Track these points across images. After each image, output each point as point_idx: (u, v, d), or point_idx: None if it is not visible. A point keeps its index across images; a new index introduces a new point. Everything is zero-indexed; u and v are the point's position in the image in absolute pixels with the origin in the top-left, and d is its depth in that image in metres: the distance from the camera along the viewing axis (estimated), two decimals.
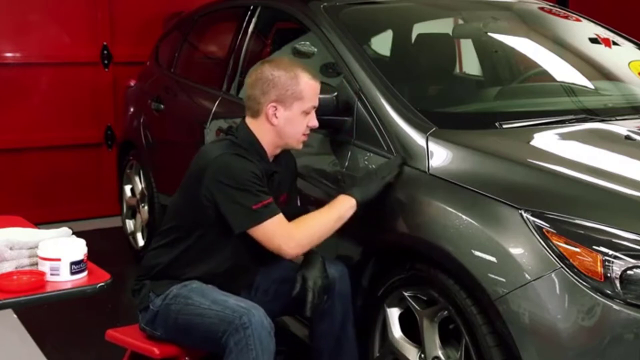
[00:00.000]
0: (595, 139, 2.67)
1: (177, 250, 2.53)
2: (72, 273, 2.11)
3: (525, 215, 2.11)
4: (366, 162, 2.66)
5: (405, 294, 2.45)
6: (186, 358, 2.54)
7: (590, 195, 2.19)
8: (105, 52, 5.56)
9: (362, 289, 2.63)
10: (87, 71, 5.55)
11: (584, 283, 2.00)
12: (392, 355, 2.54)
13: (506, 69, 3.63)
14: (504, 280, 2.09)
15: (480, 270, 2.14)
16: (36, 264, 2.15)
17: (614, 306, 1.97)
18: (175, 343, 2.53)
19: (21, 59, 5.35)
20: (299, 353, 2.80)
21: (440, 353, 2.35)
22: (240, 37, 3.71)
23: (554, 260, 2.04)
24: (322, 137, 2.87)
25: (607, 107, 3.03)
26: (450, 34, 3.67)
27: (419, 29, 3.67)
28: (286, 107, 2.46)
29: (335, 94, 2.73)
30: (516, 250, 2.09)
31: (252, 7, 3.74)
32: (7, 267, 2.13)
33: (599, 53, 3.51)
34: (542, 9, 3.75)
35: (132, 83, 4.92)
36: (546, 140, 2.62)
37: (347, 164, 2.72)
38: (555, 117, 2.75)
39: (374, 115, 2.68)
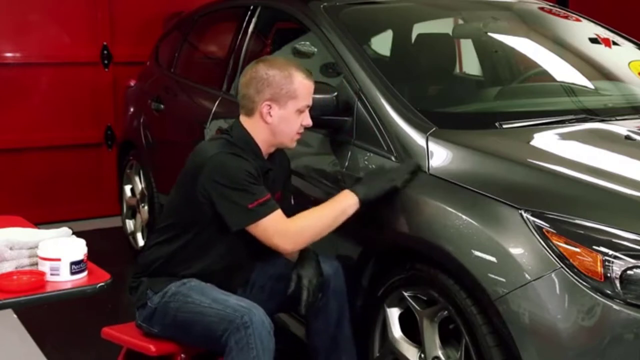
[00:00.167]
0: (595, 139, 2.67)
1: (173, 248, 2.54)
2: (72, 273, 2.11)
3: (525, 215, 2.11)
4: (366, 162, 2.66)
5: (405, 294, 2.45)
6: (182, 355, 2.54)
7: (590, 195, 2.19)
8: (105, 52, 5.56)
9: (362, 289, 2.63)
10: (87, 71, 5.55)
11: (584, 283, 2.00)
12: (392, 355, 2.54)
13: (506, 69, 3.63)
14: (504, 280, 2.09)
15: (480, 270, 2.14)
16: (36, 264, 2.15)
17: (614, 306, 1.97)
18: (172, 340, 2.54)
19: (21, 59, 5.35)
20: (298, 352, 2.80)
21: (440, 353, 2.35)
22: (240, 37, 3.71)
23: (554, 260, 2.04)
24: (322, 137, 2.87)
25: (607, 107, 3.03)
26: (450, 34, 3.67)
27: (419, 29, 3.67)
28: (280, 106, 2.48)
29: (335, 94, 2.73)
30: (516, 250, 2.09)
31: (252, 7, 3.74)
32: (7, 267, 2.13)
33: (599, 53, 3.51)
34: (542, 9, 3.75)
35: (132, 83, 4.92)
36: (546, 140, 2.62)
37: (347, 164, 2.72)
38: (555, 117, 2.75)
39: (374, 115, 2.68)
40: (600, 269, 2.00)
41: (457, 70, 3.85)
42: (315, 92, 2.69)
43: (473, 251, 2.17)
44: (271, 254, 2.49)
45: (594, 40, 3.53)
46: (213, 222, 2.45)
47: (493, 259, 2.13)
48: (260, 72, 2.48)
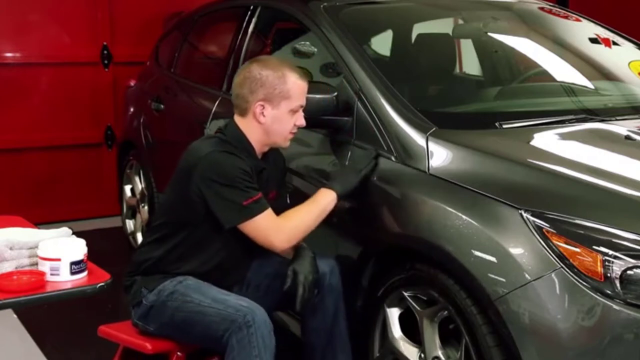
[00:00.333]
0: (595, 139, 2.67)
1: (168, 246, 2.55)
2: (72, 273, 2.11)
3: (525, 215, 2.11)
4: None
5: (405, 294, 2.45)
6: (178, 353, 2.55)
7: (590, 195, 2.19)
8: (105, 52, 5.56)
9: (362, 289, 2.63)
10: (87, 71, 5.55)
11: (584, 283, 2.00)
12: (392, 355, 2.54)
13: (506, 69, 3.63)
14: (504, 280, 2.09)
15: (480, 270, 2.14)
16: (36, 264, 2.15)
17: (614, 306, 1.97)
18: (168, 338, 2.54)
19: (21, 59, 5.35)
20: (296, 350, 2.80)
21: (440, 353, 2.35)
22: (240, 37, 3.71)
23: (554, 260, 2.04)
24: (322, 137, 2.87)
25: (607, 107, 3.03)
26: (450, 34, 3.67)
27: (419, 29, 3.67)
28: (274, 106, 2.50)
29: (335, 94, 2.73)
30: (516, 250, 2.09)
31: (252, 7, 3.74)
32: (7, 267, 2.13)
33: (599, 53, 3.51)
34: (542, 9, 3.74)
35: (132, 83, 4.92)
36: (546, 140, 2.62)
37: (347, 164, 2.72)
38: (555, 117, 2.75)
39: (374, 115, 2.68)
40: (600, 269, 2.00)
41: (457, 70, 3.85)
42: (315, 92, 2.70)
43: (473, 251, 2.17)
44: (266, 252, 2.52)
45: (594, 40, 3.53)
46: (207, 220, 2.47)
47: (493, 259, 2.13)
48: (254, 72, 2.50)
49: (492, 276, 2.11)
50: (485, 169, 2.37)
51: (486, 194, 2.23)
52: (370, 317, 2.61)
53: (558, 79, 3.29)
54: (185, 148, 2.56)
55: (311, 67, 3.26)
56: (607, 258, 2.00)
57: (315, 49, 3.13)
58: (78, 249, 2.15)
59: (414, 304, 2.42)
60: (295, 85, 2.50)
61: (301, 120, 2.55)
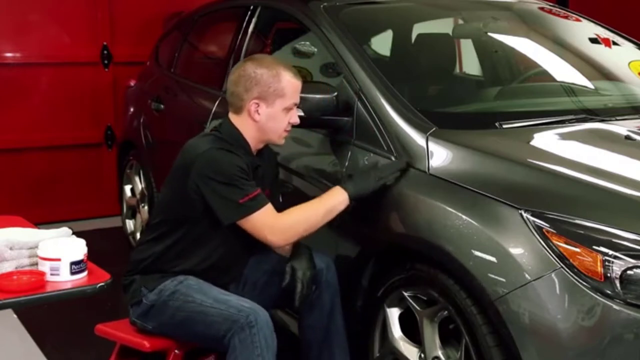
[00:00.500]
0: (595, 139, 2.67)
1: (166, 244, 2.56)
2: (72, 273, 2.11)
3: (525, 215, 2.11)
4: (366, 162, 2.66)
5: (405, 294, 2.45)
6: (176, 351, 2.55)
7: (590, 195, 2.19)
8: (105, 52, 5.56)
9: (362, 289, 2.63)
10: (87, 71, 5.55)
11: (584, 283, 2.00)
12: (392, 355, 2.54)
13: (506, 69, 3.63)
14: (504, 280, 2.09)
15: (480, 270, 2.14)
16: (36, 264, 2.15)
17: (614, 306, 1.97)
18: (166, 336, 2.55)
19: (21, 59, 5.35)
20: (296, 350, 2.80)
21: (440, 353, 2.35)
22: (240, 37, 3.71)
23: (554, 260, 2.04)
24: (322, 137, 2.87)
25: (607, 107, 3.03)
26: (450, 34, 3.67)
27: (419, 29, 3.67)
28: (268, 104, 2.51)
29: (335, 94, 2.73)
30: (516, 250, 2.09)
31: (252, 7, 3.74)
32: (7, 267, 2.13)
33: (599, 53, 3.51)
34: (542, 9, 3.74)
35: (132, 83, 4.91)
36: (546, 140, 2.62)
37: (347, 164, 2.72)
38: (555, 117, 2.75)
39: (374, 115, 2.68)
40: (600, 269, 2.00)
41: (457, 70, 3.85)
42: (315, 92, 2.71)
43: (473, 251, 2.17)
44: (264, 249, 2.54)
45: (594, 40, 3.53)
46: (205, 218, 2.48)
47: (493, 259, 2.13)
48: (249, 70, 2.52)
49: (492, 276, 2.11)
50: (485, 169, 2.37)
51: (486, 194, 2.23)
52: (370, 317, 2.61)
53: (558, 79, 3.29)
54: None
55: (311, 67, 3.26)
56: (607, 258, 2.00)
57: (315, 49, 3.13)
58: (78, 249, 2.15)
59: (414, 304, 2.42)
60: (290, 84, 2.52)
61: (295, 118, 2.57)
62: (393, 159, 2.56)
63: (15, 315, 3.73)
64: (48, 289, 2.07)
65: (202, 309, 2.41)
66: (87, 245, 2.18)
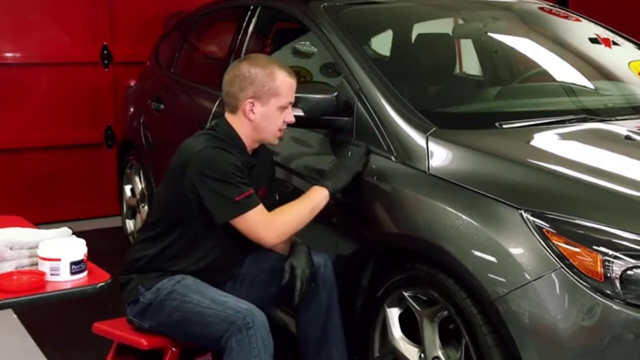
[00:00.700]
0: (595, 139, 2.67)
1: (163, 243, 2.57)
2: (72, 273, 2.11)
3: (525, 215, 2.11)
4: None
5: (405, 294, 2.45)
6: (173, 349, 2.56)
7: (590, 195, 2.19)
8: (105, 52, 5.55)
9: (362, 289, 2.63)
10: (87, 71, 5.55)
11: (584, 283, 2.00)
12: (392, 355, 2.54)
13: (506, 69, 3.63)
14: (504, 280, 2.09)
15: (480, 270, 2.14)
16: (36, 264, 2.15)
17: (614, 306, 1.97)
18: (164, 335, 2.56)
19: (21, 59, 5.34)
20: (294, 349, 2.80)
21: (440, 353, 2.35)
22: (240, 37, 3.71)
23: (554, 260, 2.04)
24: (322, 137, 2.87)
25: (607, 107, 3.03)
26: (450, 34, 3.67)
27: (419, 29, 3.67)
28: (263, 103, 2.53)
29: (335, 94, 2.73)
30: (516, 250, 2.09)
31: (252, 7, 3.74)
32: (7, 267, 2.14)
33: (599, 53, 3.51)
34: (542, 9, 3.74)
35: (132, 83, 4.91)
36: (546, 140, 2.62)
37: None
38: (555, 117, 2.75)
39: (374, 115, 2.68)
40: (600, 269, 2.00)
41: (457, 70, 3.85)
42: (315, 92, 2.71)
43: (473, 251, 2.17)
44: (260, 248, 2.56)
45: (594, 40, 3.53)
46: (201, 217, 2.49)
47: (493, 259, 2.12)
48: (243, 70, 2.54)
49: (492, 276, 2.11)
50: (485, 169, 2.37)
51: (486, 194, 2.23)
52: (370, 317, 2.61)
53: (558, 79, 3.29)
54: None
55: (311, 67, 3.26)
56: (607, 258, 1.99)
57: (315, 49, 3.13)
58: (78, 249, 2.15)
59: (414, 304, 2.42)
60: (284, 83, 2.54)
61: (290, 117, 2.59)
62: (393, 159, 2.56)
63: (15, 315, 3.72)
64: (48, 289, 2.08)
65: (200, 310, 2.42)
66: (87, 245, 2.18)
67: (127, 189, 4.80)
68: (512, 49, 3.66)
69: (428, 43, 3.60)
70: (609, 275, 1.99)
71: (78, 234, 2.32)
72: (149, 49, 4.92)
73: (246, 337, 2.31)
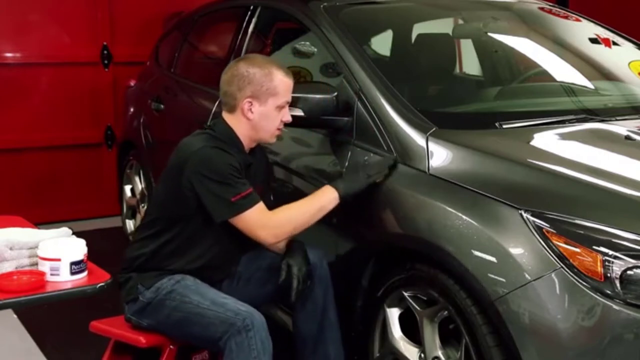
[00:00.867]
0: (595, 139, 2.67)
1: (160, 241, 2.57)
2: (72, 273, 2.12)
3: (525, 215, 2.11)
4: (364, 161, 2.66)
5: (405, 294, 2.45)
6: (170, 347, 2.56)
7: (590, 195, 2.19)
8: (105, 52, 5.55)
9: (362, 289, 2.63)
10: (87, 71, 5.55)
11: (584, 283, 2.00)
12: (392, 355, 2.54)
13: (506, 69, 3.63)
14: (504, 280, 2.09)
15: (480, 270, 2.14)
16: (36, 264, 2.15)
17: (614, 306, 1.97)
18: (162, 334, 2.56)
19: (21, 59, 5.34)
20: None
21: (440, 353, 2.35)
22: (240, 37, 3.71)
23: (554, 260, 2.04)
24: (322, 137, 2.87)
25: (607, 107, 3.03)
26: (450, 34, 3.67)
27: (419, 29, 3.67)
28: (261, 103, 2.54)
29: (335, 94, 2.74)
30: (516, 250, 2.09)
31: (252, 7, 3.74)
32: (7, 267, 2.14)
33: (599, 53, 3.51)
34: (542, 9, 3.74)
35: (132, 83, 4.91)
36: (546, 140, 2.62)
37: (347, 164, 2.72)
38: (555, 117, 2.75)
39: (374, 115, 2.68)
40: (600, 269, 2.00)
41: (457, 70, 3.85)
42: (315, 92, 2.71)
43: (473, 251, 2.17)
44: (257, 246, 2.56)
45: (594, 40, 3.53)
46: (198, 215, 2.50)
47: (493, 259, 2.12)
48: (241, 69, 2.55)
49: (492, 276, 2.11)
50: (485, 169, 2.37)
51: (486, 194, 2.23)
52: (370, 317, 2.61)
53: (558, 79, 3.29)
54: None
55: (311, 67, 3.26)
56: (607, 258, 2.00)
57: (315, 49, 3.13)
58: (78, 249, 2.15)
59: (414, 304, 2.42)
60: (282, 82, 2.55)
61: (287, 117, 2.60)
62: None
63: (15, 315, 3.73)
64: (48, 289, 2.08)
65: (199, 311, 2.42)
66: (87, 245, 2.19)
67: (127, 189, 4.80)
68: (512, 49, 3.66)
69: (428, 43, 3.60)
70: (609, 275, 1.99)
71: (78, 234, 2.32)
72: (149, 49, 4.92)
73: (245, 339, 2.32)
